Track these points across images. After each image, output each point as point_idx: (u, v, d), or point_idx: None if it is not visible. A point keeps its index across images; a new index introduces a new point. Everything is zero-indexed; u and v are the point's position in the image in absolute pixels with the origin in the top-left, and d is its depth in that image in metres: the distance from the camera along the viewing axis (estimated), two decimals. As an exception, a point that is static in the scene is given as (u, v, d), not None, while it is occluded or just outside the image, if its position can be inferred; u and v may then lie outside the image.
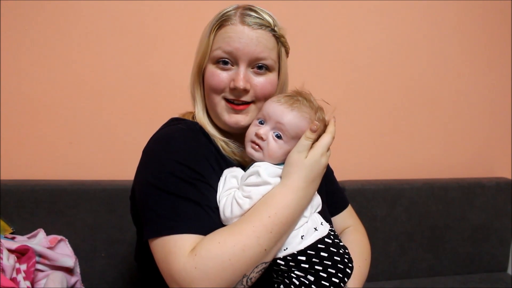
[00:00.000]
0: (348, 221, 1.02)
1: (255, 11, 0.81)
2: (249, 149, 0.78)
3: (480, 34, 1.69)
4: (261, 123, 0.79)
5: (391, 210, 1.54)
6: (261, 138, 0.76)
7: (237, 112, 0.81)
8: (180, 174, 0.74)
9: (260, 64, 0.80)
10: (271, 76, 0.83)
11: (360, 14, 1.57)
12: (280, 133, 0.77)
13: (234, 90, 0.80)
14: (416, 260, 1.58)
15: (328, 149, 0.79)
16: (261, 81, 0.81)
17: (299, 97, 0.79)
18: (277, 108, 0.77)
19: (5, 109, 1.38)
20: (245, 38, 0.78)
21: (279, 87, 0.86)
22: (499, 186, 1.64)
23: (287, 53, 0.88)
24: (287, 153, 0.76)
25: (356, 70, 1.60)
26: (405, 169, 1.68)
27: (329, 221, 0.88)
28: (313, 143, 0.76)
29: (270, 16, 0.82)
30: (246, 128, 0.82)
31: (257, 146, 0.77)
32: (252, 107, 0.82)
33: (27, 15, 1.35)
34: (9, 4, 1.33)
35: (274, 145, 0.76)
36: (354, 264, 0.81)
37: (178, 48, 1.42)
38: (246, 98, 0.81)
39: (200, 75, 0.85)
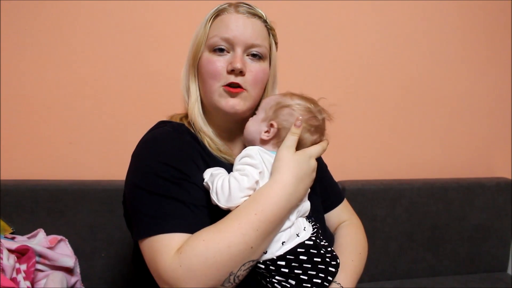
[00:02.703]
0: (343, 216, 1.01)
1: (247, 4, 0.85)
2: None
3: (480, 34, 1.69)
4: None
5: (391, 210, 1.54)
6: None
7: (233, 95, 0.82)
8: (165, 175, 0.74)
9: (254, 52, 0.83)
10: (264, 65, 0.85)
11: (360, 13, 1.57)
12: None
13: (232, 72, 0.81)
14: (416, 260, 1.58)
15: (317, 156, 0.81)
16: (256, 67, 0.83)
17: (289, 94, 0.83)
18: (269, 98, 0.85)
19: (5, 109, 1.38)
20: (241, 25, 0.82)
21: (270, 78, 0.88)
22: (499, 186, 1.64)
23: (276, 47, 0.90)
24: (258, 133, 0.81)
25: (356, 70, 1.60)
26: (405, 169, 1.68)
27: (321, 218, 0.88)
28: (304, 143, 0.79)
29: (260, 10, 0.86)
30: (240, 115, 0.85)
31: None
32: (246, 94, 0.83)
33: (27, 15, 1.35)
34: (9, 4, 1.33)
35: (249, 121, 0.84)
36: (346, 258, 0.81)
37: (178, 48, 1.42)
38: (241, 81, 0.82)
39: (195, 65, 0.86)
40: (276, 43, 0.89)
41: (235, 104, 0.82)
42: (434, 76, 1.67)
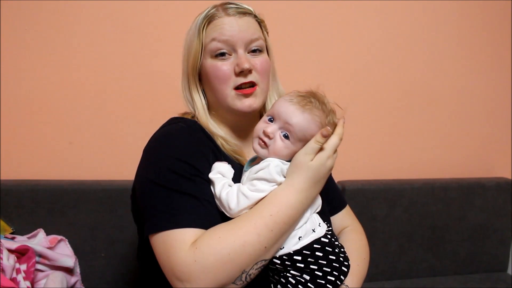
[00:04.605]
0: (346, 221, 1.02)
1: (234, 3, 0.86)
2: (255, 145, 0.78)
3: (480, 34, 1.69)
4: (270, 120, 0.78)
5: (391, 210, 1.54)
6: (268, 137, 0.76)
7: (247, 96, 0.84)
8: (179, 170, 0.75)
9: (254, 48, 0.84)
10: (265, 56, 0.87)
11: (360, 14, 1.57)
12: (288, 133, 0.76)
13: (240, 73, 0.82)
14: (416, 260, 1.58)
15: (335, 151, 0.79)
16: (260, 60, 0.85)
17: (312, 99, 0.78)
18: (288, 108, 0.76)
19: (5, 109, 1.38)
20: (235, 26, 0.83)
21: (271, 68, 0.90)
22: (499, 186, 1.63)
23: (267, 34, 0.92)
24: (292, 153, 0.76)
25: (356, 70, 1.60)
26: (405, 169, 1.68)
27: (328, 220, 0.89)
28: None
29: (247, 5, 0.87)
30: (256, 113, 0.87)
31: (263, 143, 0.77)
32: (258, 89, 0.85)
33: (27, 15, 1.35)
34: (9, 4, 1.33)
35: (280, 144, 0.76)
36: (352, 263, 0.81)
37: (178, 48, 1.41)
38: (251, 78, 0.83)
39: (196, 75, 0.87)
40: (267, 32, 0.91)
41: (252, 103, 0.84)
42: (434, 76, 1.67)
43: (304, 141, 0.76)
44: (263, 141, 0.76)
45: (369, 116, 1.63)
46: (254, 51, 0.85)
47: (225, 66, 0.83)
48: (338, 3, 1.54)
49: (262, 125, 0.78)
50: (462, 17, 1.67)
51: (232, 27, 0.82)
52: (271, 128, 0.76)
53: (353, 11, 1.56)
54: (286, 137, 0.76)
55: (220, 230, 0.70)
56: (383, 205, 1.53)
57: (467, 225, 1.61)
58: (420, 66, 1.65)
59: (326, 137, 0.75)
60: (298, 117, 0.75)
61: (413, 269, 1.58)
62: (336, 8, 1.55)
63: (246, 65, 0.81)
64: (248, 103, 0.84)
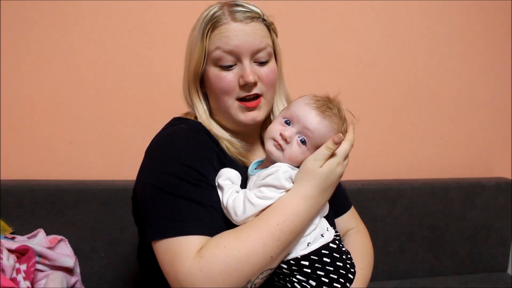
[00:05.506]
0: (351, 223, 1.01)
1: (242, 5, 0.80)
2: (270, 146, 0.76)
3: (480, 34, 1.69)
4: (287, 122, 0.76)
5: (391, 210, 1.54)
6: (285, 140, 0.74)
7: (251, 109, 0.81)
8: (183, 175, 0.73)
9: (262, 60, 0.81)
10: (272, 64, 0.83)
11: (360, 13, 1.57)
12: (305, 139, 0.74)
13: (244, 86, 0.79)
14: (416, 260, 1.58)
15: (346, 157, 0.77)
16: (265, 70, 0.81)
17: (331, 105, 0.76)
18: (308, 112, 0.74)
19: (5, 109, 1.38)
20: (241, 34, 0.78)
21: (279, 71, 0.87)
22: (499, 186, 1.63)
23: (276, 36, 0.88)
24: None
25: (356, 70, 1.60)
26: (405, 169, 1.68)
27: (333, 224, 0.88)
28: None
29: (256, 7, 0.83)
30: (259, 123, 0.85)
31: (279, 146, 0.75)
32: (263, 101, 0.83)
33: (27, 15, 1.35)
34: (9, 4, 1.33)
35: (296, 150, 0.74)
36: (357, 267, 0.80)
37: (178, 48, 1.41)
38: (256, 90, 0.81)
39: (197, 80, 0.84)
40: (276, 35, 0.87)
41: (255, 116, 0.82)
42: (434, 76, 1.67)
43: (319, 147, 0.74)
44: (279, 144, 0.74)
45: (369, 116, 1.63)
46: (262, 60, 0.81)
47: (229, 77, 0.79)
48: (338, 3, 1.54)
49: (279, 127, 0.76)
50: (462, 17, 1.67)
51: (238, 36, 0.78)
52: (289, 132, 0.74)
53: (352, 11, 1.56)
54: (303, 142, 0.74)
55: (225, 239, 0.68)
56: (383, 205, 1.53)
57: (467, 225, 1.61)
58: (420, 66, 1.65)
59: (338, 144, 0.72)
60: (318, 123, 0.74)
61: (413, 269, 1.58)
62: (335, 8, 1.55)
63: (250, 78, 0.78)
64: (252, 117, 0.82)
